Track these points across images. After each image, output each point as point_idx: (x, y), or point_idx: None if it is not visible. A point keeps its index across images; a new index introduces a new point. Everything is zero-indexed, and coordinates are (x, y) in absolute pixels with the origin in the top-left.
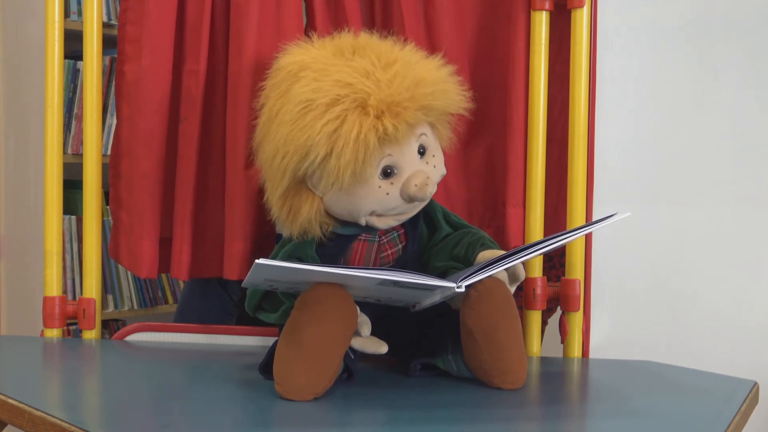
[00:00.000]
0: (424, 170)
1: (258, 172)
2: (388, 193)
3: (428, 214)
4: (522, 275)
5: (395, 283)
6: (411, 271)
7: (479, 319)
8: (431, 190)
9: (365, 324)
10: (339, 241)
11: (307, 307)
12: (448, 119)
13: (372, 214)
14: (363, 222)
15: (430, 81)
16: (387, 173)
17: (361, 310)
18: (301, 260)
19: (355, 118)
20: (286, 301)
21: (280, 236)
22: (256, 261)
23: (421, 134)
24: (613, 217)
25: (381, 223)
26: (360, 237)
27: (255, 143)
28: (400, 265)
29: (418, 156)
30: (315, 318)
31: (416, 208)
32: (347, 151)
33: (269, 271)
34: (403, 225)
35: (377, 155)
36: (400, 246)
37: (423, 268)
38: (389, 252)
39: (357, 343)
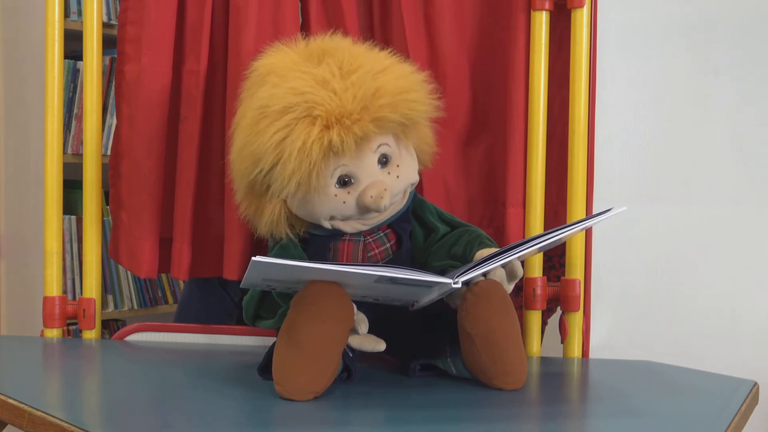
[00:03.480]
0: (383, 181)
1: None
2: (344, 202)
3: (418, 214)
4: (520, 272)
5: (392, 280)
6: (408, 268)
7: (477, 322)
8: (386, 202)
9: (362, 321)
10: (318, 241)
11: (303, 306)
12: (423, 127)
13: (332, 219)
14: (327, 225)
15: (389, 91)
16: (344, 182)
17: (358, 309)
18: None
19: (302, 128)
20: (283, 304)
21: None
22: (253, 259)
23: (381, 145)
24: (608, 213)
25: (347, 227)
26: (344, 237)
27: (229, 144)
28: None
29: (377, 166)
30: (311, 316)
31: (380, 215)
32: (291, 162)
33: (266, 270)
34: (389, 225)
35: (327, 166)
36: (388, 245)
37: (420, 268)
38: (377, 251)
39: (355, 341)
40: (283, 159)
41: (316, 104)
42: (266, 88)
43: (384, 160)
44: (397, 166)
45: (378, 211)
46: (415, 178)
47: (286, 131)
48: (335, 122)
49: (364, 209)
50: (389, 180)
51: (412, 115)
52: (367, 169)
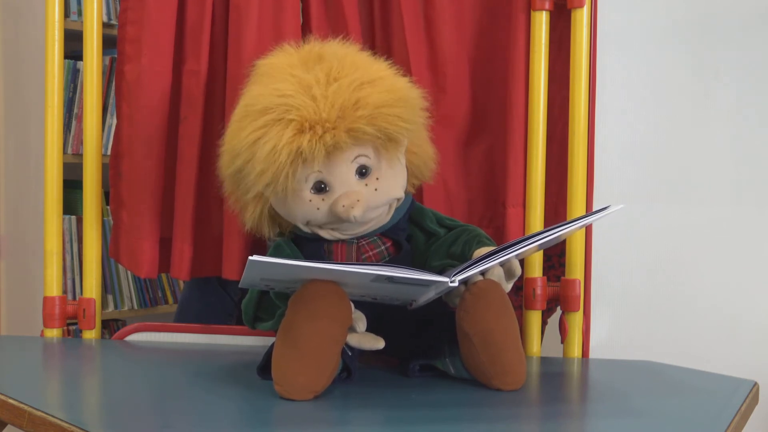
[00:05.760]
0: (358, 192)
1: None
2: (318, 208)
3: (418, 222)
4: (518, 271)
5: (389, 279)
6: (405, 266)
7: (475, 322)
8: (358, 213)
9: (360, 320)
10: (312, 242)
11: (301, 305)
12: (420, 141)
13: (308, 224)
14: (306, 230)
15: (369, 104)
16: (320, 188)
17: (357, 308)
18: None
19: (276, 131)
20: (281, 305)
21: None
22: (250, 258)
23: (359, 156)
24: (605, 211)
25: (325, 234)
26: (338, 240)
27: None
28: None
29: (354, 176)
30: (309, 315)
31: (359, 225)
32: (260, 162)
33: (264, 269)
34: (382, 233)
35: (296, 171)
36: (383, 247)
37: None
38: (371, 253)
39: (353, 340)
40: (254, 159)
41: (293, 108)
42: (256, 87)
43: (363, 171)
44: (377, 179)
45: (349, 221)
46: (399, 194)
47: (261, 132)
48: (308, 128)
49: (336, 218)
50: (366, 192)
51: (390, 130)
52: (341, 178)
